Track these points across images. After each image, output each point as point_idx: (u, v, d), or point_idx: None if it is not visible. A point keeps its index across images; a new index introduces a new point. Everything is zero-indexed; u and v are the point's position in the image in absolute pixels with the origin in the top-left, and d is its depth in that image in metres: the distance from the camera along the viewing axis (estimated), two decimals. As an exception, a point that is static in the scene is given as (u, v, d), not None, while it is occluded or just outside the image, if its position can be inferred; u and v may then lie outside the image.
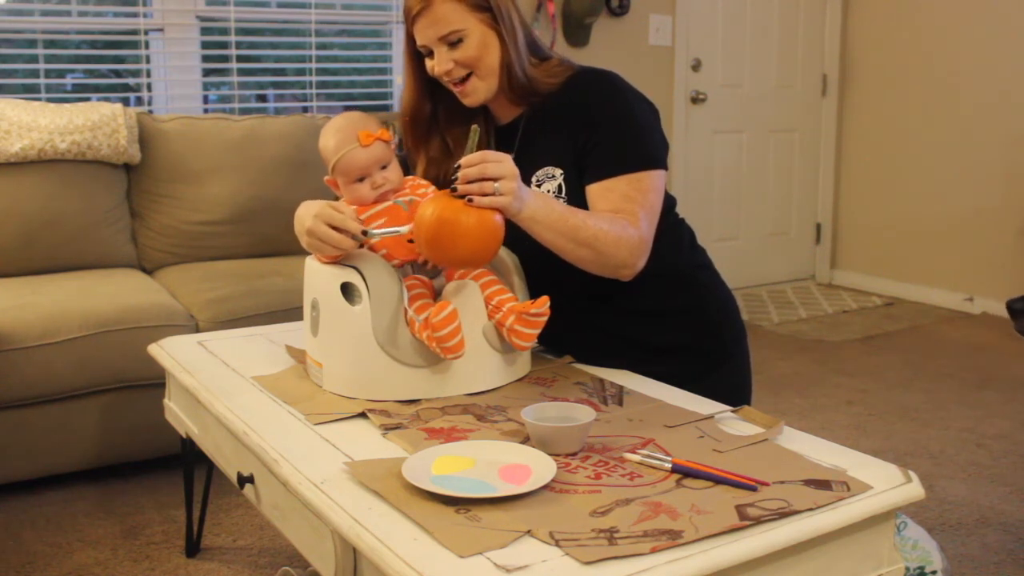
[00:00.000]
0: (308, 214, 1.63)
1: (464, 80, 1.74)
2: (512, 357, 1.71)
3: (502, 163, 1.51)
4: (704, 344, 1.87)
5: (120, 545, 2.32)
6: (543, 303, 1.62)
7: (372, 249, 1.68)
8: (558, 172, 1.76)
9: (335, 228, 1.60)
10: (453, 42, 1.71)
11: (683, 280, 1.86)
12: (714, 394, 1.70)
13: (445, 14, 1.69)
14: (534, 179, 1.77)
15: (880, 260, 5.10)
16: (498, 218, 1.52)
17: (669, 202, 1.86)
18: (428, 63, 1.76)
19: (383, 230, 1.64)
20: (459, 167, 1.51)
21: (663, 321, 1.85)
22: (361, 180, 1.71)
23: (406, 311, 1.63)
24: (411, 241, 1.65)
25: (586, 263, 1.64)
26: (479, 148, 1.61)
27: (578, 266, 1.65)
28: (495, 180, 1.50)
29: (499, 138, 1.86)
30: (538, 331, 1.65)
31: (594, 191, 1.72)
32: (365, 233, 1.61)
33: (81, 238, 3.04)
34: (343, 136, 1.70)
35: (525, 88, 1.77)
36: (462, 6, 1.69)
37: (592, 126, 1.73)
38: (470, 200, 1.49)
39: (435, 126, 1.86)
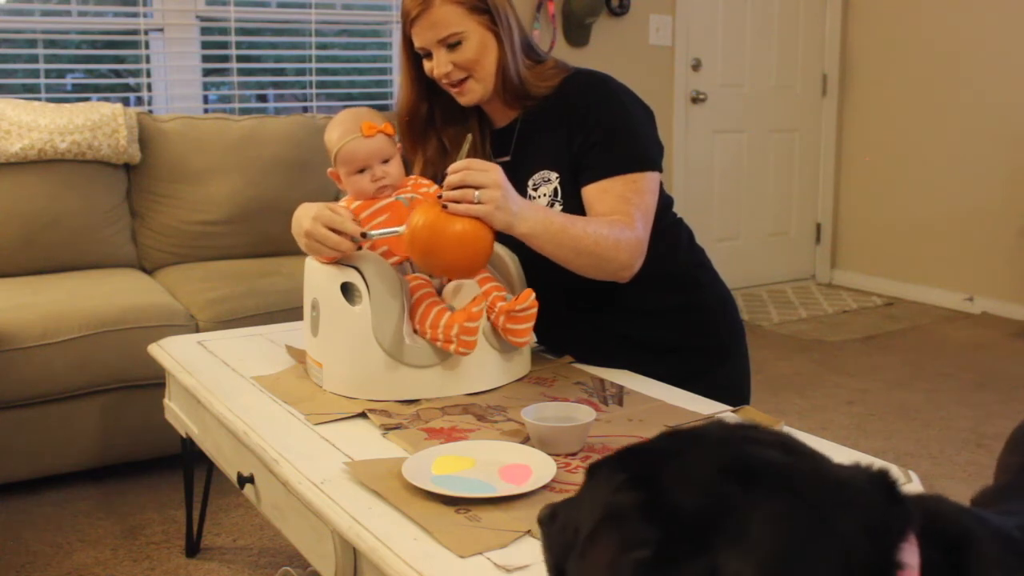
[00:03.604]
0: (306, 216, 1.63)
1: (461, 82, 1.75)
2: (512, 357, 1.71)
3: (487, 172, 1.51)
4: (703, 343, 1.87)
5: (120, 545, 2.32)
6: (526, 298, 1.63)
7: (372, 248, 1.68)
8: (554, 175, 1.76)
9: (333, 230, 1.60)
10: (452, 44, 1.71)
11: (682, 280, 1.86)
12: (713, 393, 1.70)
13: (444, 16, 1.69)
14: (530, 183, 1.77)
15: (880, 260, 5.10)
16: (484, 228, 1.52)
17: (666, 202, 1.86)
18: (426, 64, 1.76)
19: (381, 231, 1.64)
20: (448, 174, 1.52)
21: (662, 320, 1.85)
22: (362, 172, 1.71)
23: (414, 311, 1.64)
24: None
25: (586, 270, 1.65)
26: (470, 156, 1.61)
27: (578, 273, 1.65)
28: (477, 188, 1.50)
29: (495, 141, 1.86)
30: (530, 325, 1.65)
31: (590, 192, 1.72)
32: (364, 235, 1.61)
33: (81, 238, 3.04)
34: (347, 127, 1.72)
35: (518, 90, 1.77)
36: (461, 9, 1.69)
37: (587, 128, 1.73)
38: (445, 207, 1.50)
39: (432, 126, 1.86)
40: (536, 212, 1.58)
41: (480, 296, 1.59)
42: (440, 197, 1.52)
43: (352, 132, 1.70)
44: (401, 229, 1.63)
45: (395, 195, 1.72)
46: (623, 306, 1.82)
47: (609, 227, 1.63)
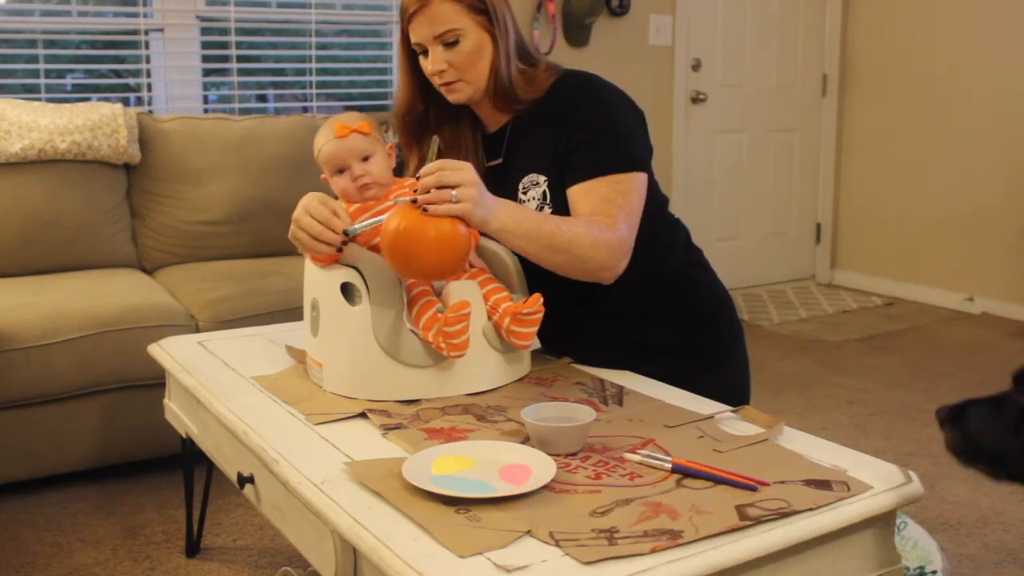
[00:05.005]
0: (308, 196, 1.65)
1: (453, 81, 1.75)
2: (512, 357, 1.71)
3: (461, 171, 1.51)
4: (701, 343, 1.86)
5: (120, 545, 2.32)
6: (535, 301, 1.62)
7: (373, 248, 1.68)
8: (542, 179, 1.75)
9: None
10: (449, 42, 1.71)
11: (679, 280, 1.86)
12: (713, 393, 1.70)
13: (443, 13, 1.69)
14: (520, 187, 1.77)
15: (880, 260, 5.10)
16: (462, 228, 1.52)
17: (660, 201, 1.86)
18: (422, 62, 1.76)
19: (364, 223, 1.64)
20: (420, 177, 1.52)
21: (660, 321, 1.84)
22: (341, 173, 1.72)
23: (410, 311, 1.63)
24: None
25: (564, 268, 1.64)
26: (439, 157, 1.61)
27: (557, 272, 1.65)
28: (453, 188, 1.50)
29: (487, 146, 1.86)
30: (534, 329, 1.65)
31: (575, 193, 1.71)
32: (346, 232, 1.61)
33: (81, 238, 3.04)
34: (325, 132, 1.74)
35: (508, 94, 1.76)
36: (460, 6, 1.70)
37: (573, 128, 1.72)
38: (425, 209, 1.50)
39: (427, 126, 1.86)
40: (508, 208, 1.58)
41: (461, 303, 1.58)
42: (415, 201, 1.52)
43: (329, 136, 1.72)
44: (383, 217, 1.63)
45: (393, 199, 1.72)
46: (620, 307, 1.82)
47: (587, 226, 1.62)
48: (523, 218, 1.58)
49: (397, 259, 1.55)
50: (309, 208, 1.62)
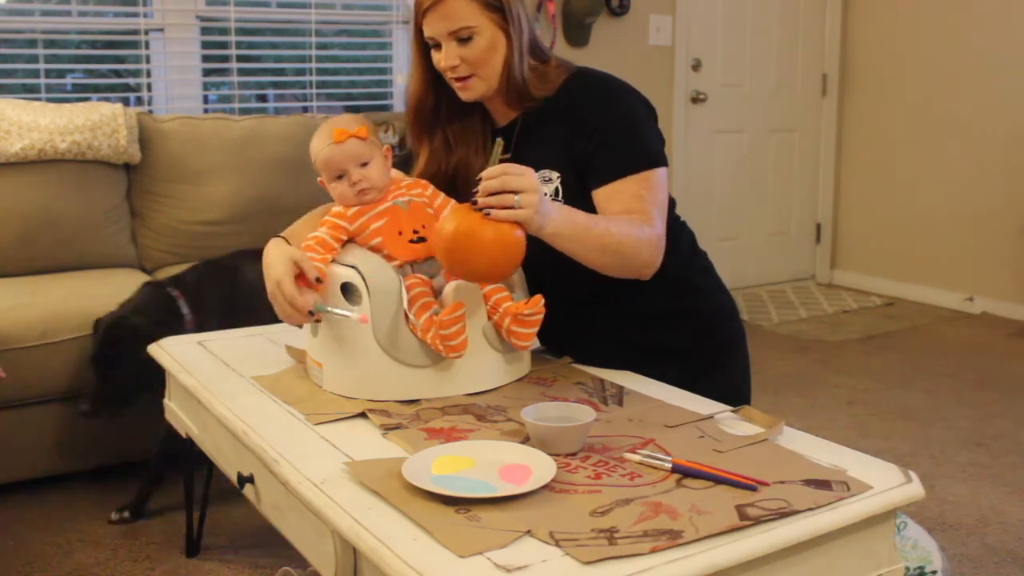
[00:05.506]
0: (279, 260, 1.61)
1: (466, 77, 1.74)
2: (512, 357, 1.71)
3: (523, 176, 1.50)
4: (701, 347, 1.86)
5: (120, 545, 2.32)
6: (536, 303, 1.62)
7: (373, 249, 1.68)
8: (555, 175, 1.75)
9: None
10: (463, 39, 1.70)
11: (681, 284, 1.85)
12: (712, 397, 1.69)
13: (458, 9, 1.69)
14: None
15: (880, 260, 5.10)
16: (519, 232, 1.51)
17: (670, 202, 1.86)
18: (434, 56, 1.76)
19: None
20: (480, 180, 1.51)
21: (661, 324, 1.84)
22: (340, 178, 1.71)
23: (407, 315, 1.63)
24: (413, 241, 1.66)
25: (610, 269, 1.64)
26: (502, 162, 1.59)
27: (601, 272, 1.64)
28: (515, 193, 1.49)
29: (496, 140, 1.86)
30: (535, 330, 1.65)
31: (602, 194, 1.71)
32: (311, 313, 1.60)
33: (81, 238, 3.04)
34: (322, 136, 1.71)
35: (521, 92, 1.76)
36: (475, 4, 1.69)
37: (592, 130, 1.72)
38: (487, 213, 1.49)
39: (438, 119, 1.86)
40: (560, 212, 1.57)
41: (455, 304, 1.58)
42: (475, 203, 1.50)
43: (326, 140, 1.70)
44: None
45: (391, 199, 1.71)
46: (621, 310, 1.82)
47: (630, 225, 1.63)
48: (575, 222, 1.57)
49: (453, 260, 1.52)
50: (280, 281, 1.59)
